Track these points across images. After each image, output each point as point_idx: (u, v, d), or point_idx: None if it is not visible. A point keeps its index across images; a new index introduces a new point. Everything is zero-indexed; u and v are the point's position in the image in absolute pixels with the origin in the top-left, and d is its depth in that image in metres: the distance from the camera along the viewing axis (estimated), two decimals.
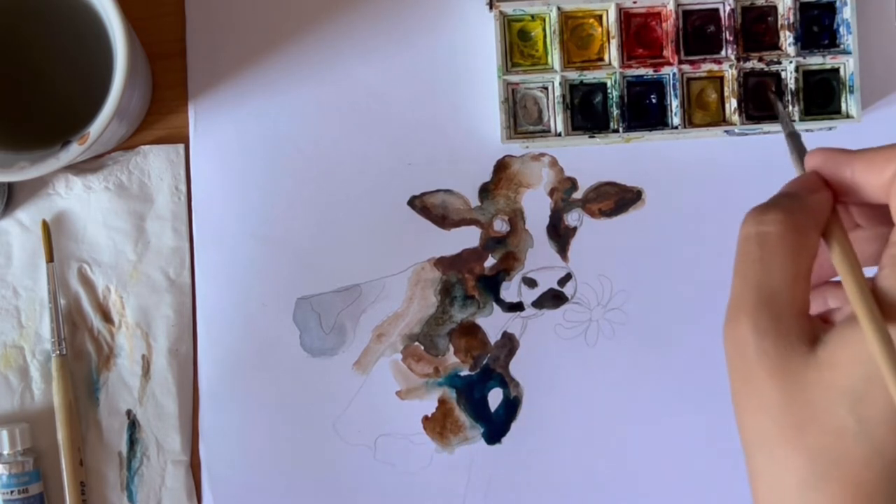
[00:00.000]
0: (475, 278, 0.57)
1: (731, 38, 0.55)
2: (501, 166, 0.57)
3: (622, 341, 0.57)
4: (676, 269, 0.57)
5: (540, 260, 0.57)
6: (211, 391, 0.56)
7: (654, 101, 0.55)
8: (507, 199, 0.57)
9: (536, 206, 0.57)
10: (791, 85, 0.55)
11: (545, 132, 0.55)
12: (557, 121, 0.55)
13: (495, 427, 0.57)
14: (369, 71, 0.56)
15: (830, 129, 0.56)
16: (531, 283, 0.57)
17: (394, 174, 0.56)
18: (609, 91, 0.55)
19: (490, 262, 0.57)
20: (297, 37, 0.56)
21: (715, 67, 0.55)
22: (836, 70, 0.55)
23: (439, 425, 0.57)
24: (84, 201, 0.56)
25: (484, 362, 0.57)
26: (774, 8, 0.55)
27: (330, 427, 0.57)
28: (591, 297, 0.57)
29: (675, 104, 0.55)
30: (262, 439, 0.56)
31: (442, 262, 0.57)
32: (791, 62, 0.55)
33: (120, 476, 0.56)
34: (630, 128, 0.55)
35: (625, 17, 0.55)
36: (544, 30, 0.55)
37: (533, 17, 0.55)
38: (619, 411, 0.57)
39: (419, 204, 0.57)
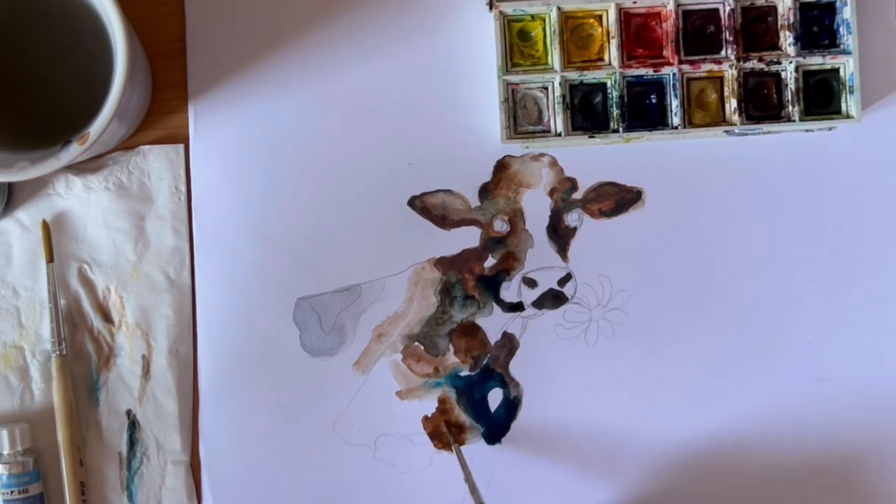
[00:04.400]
0: (475, 278, 0.57)
1: (731, 38, 0.55)
2: (501, 166, 0.57)
3: (622, 341, 0.57)
4: (676, 269, 0.57)
5: (540, 260, 0.57)
6: (211, 391, 0.56)
7: (654, 101, 0.55)
8: (507, 199, 0.57)
9: (536, 206, 0.57)
10: (791, 85, 0.55)
11: (545, 132, 0.55)
12: (557, 121, 0.55)
13: (495, 427, 0.57)
14: (369, 71, 0.56)
15: (830, 129, 0.56)
16: (531, 283, 0.57)
17: (394, 174, 0.56)
18: (609, 91, 0.55)
19: (490, 262, 0.57)
20: (297, 37, 0.56)
21: (715, 67, 0.55)
22: (836, 70, 0.55)
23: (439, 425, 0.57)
24: (84, 201, 0.56)
25: (484, 362, 0.57)
26: (774, 8, 0.55)
27: (330, 427, 0.57)
28: (591, 297, 0.57)
29: (675, 104, 0.55)
30: (262, 439, 0.56)
31: (442, 262, 0.57)
32: (791, 62, 0.55)
33: (120, 476, 0.56)
34: (630, 128, 0.55)
35: (625, 17, 0.55)
36: (544, 30, 0.55)
37: (533, 17, 0.55)
38: (619, 411, 0.57)
39: (419, 204, 0.57)
